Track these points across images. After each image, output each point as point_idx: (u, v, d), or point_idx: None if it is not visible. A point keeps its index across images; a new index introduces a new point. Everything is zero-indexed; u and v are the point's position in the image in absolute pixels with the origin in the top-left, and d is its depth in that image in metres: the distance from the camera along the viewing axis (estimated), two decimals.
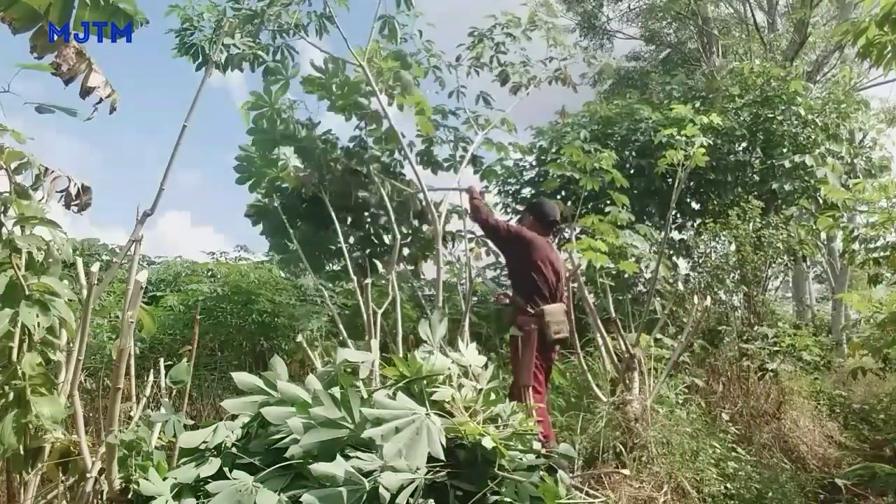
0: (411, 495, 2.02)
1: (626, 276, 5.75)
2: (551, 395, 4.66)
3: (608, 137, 8.52)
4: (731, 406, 5.22)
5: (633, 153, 8.38)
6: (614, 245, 5.39)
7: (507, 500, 2.17)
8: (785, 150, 8.29)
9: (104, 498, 2.11)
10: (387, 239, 5.75)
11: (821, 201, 7.74)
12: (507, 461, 2.26)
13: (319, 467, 2.02)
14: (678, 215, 8.69)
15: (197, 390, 5.13)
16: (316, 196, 5.16)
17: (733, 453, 4.31)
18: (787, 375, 5.72)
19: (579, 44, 16.94)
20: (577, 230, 5.88)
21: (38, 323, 2.14)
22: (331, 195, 5.12)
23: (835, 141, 8.27)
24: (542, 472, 2.33)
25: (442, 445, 2.16)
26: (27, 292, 2.16)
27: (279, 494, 2.01)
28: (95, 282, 2.11)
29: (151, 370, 2.63)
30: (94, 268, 2.13)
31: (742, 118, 8.55)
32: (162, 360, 2.63)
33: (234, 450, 2.26)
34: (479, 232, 5.51)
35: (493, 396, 2.70)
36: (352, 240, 5.87)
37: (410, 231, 5.81)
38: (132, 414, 2.38)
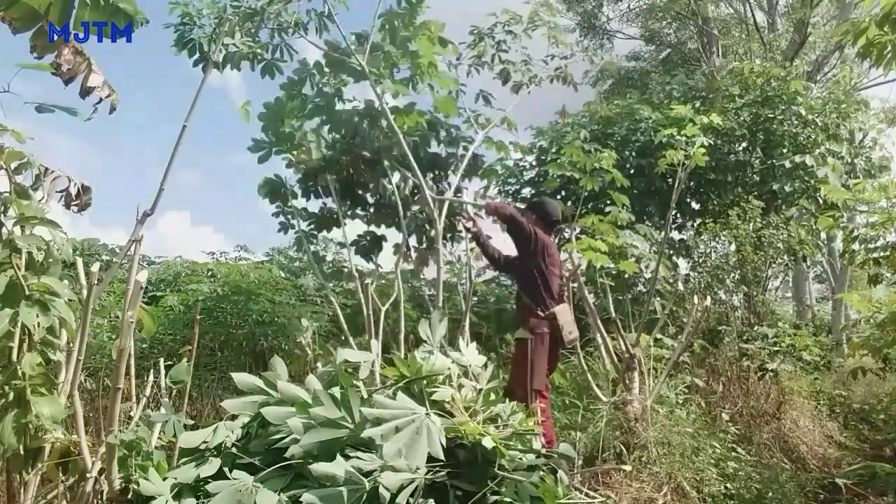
0: (411, 495, 2.02)
1: (626, 276, 5.76)
2: (551, 395, 4.66)
3: (608, 137, 8.52)
4: (731, 406, 5.22)
5: (633, 153, 8.38)
6: (614, 245, 5.39)
7: (507, 500, 2.17)
8: (785, 150, 8.29)
9: (104, 498, 2.11)
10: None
11: (821, 201, 7.74)
12: (507, 461, 2.26)
13: (319, 467, 2.02)
14: (678, 215, 8.69)
15: (197, 390, 5.13)
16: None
17: (733, 453, 4.31)
18: (787, 375, 5.72)
19: (580, 43, 16.95)
20: (577, 230, 5.88)
21: (38, 323, 2.14)
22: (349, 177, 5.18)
23: (835, 141, 8.28)
24: (542, 472, 2.33)
25: (442, 445, 2.16)
26: (27, 292, 2.16)
27: (279, 494, 2.01)
28: (95, 282, 2.11)
29: (151, 370, 2.63)
30: (94, 268, 2.13)
31: (742, 118, 8.55)
32: (162, 360, 2.63)
33: (234, 450, 2.26)
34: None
35: (492, 396, 2.70)
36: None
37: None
38: (132, 414, 2.38)
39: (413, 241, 5.89)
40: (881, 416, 6.66)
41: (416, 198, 5.52)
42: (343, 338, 4.84)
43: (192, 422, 2.42)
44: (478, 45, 5.95)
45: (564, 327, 3.81)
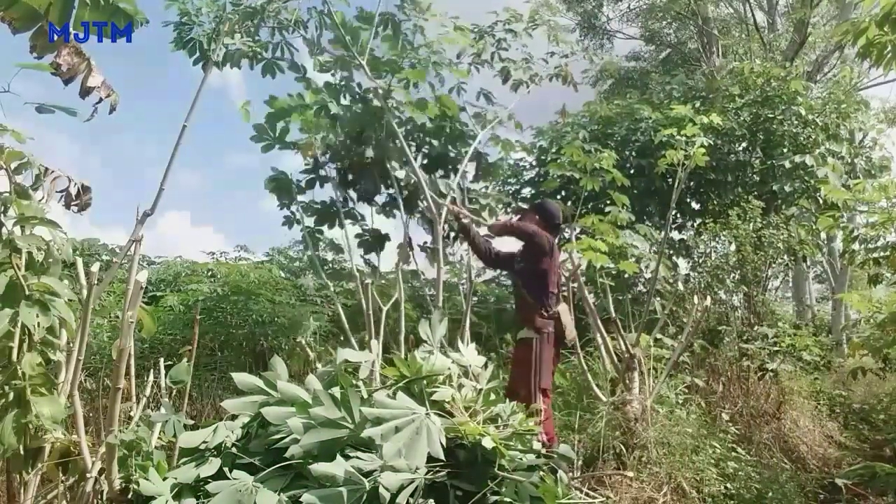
0: (411, 495, 2.02)
1: (626, 276, 5.76)
2: (552, 395, 4.67)
3: (608, 137, 8.53)
4: (731, 406, 5.23)
5: (633, 153, 8.39)
6: (614, 245, 5.39)
7: (507, 500, 2.17)
8: (785, 150, 8.30)
9: (104, 498, 2.11)
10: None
11: (821, 201, 7.74)
12: (507, 461, 2.26)
13: (319, 467, 2.02)
14: (678, 215, 8.69)
15: (197, 390, 5.13)
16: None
17: (733, 453, 4.31)
18: (787, 375, 5.73)
19: (580, 42, 16.95)
20: (577, 230, 5.88)
21: (38, 323, 2.14)
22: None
23: (835, 141, 8.28)
24: (542, 472, 2.33)
25: (442, 445, 2.16)
26: (27, 292, 2.16)
27: (279, 494, 2.01)
28: (95, 282, 2.11)
29: (151, 370, 2.63)
30: (94, 268, 2.13)
31: (742, 118, 8.55)
32: (162, 360, 2.63)
33: (234, 450, 2.26)
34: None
35: (493, 396, 2.70)
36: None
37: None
38: (132, 414, 2.38)
39: (424, 238, 5.89)
40: (881, 416, 6.66)
41: (420, 198, 5.50)
42: (343, 337, 4.84)
43: (192, 422, 2.42)
44: (478, 43, 5.94)
45: (567, 326, 3.83)
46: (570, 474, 3.08)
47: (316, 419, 2.20)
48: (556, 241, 4.18)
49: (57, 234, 2.33)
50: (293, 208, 5.81)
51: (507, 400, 2.81)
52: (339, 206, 5.69)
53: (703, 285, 6.55)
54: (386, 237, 6.07)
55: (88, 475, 2.13)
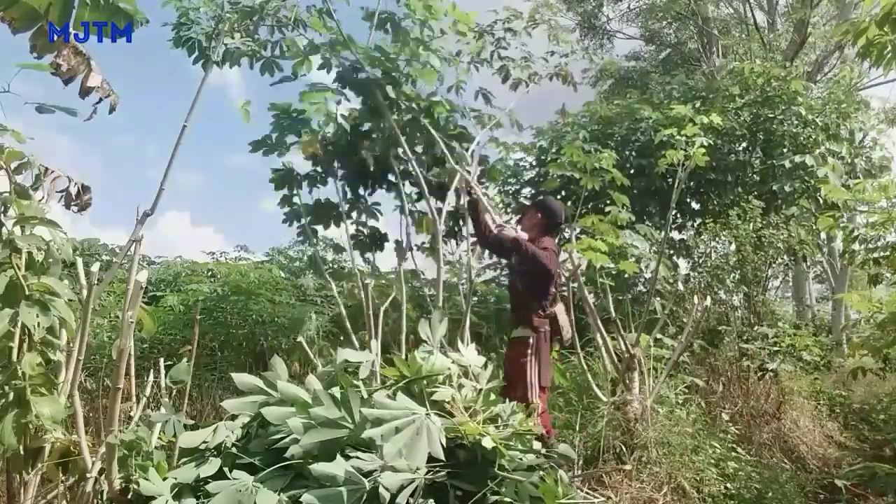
0: (411, 495, 2.02)
1: (626, 276, 5.76)
2: (552, 394, 4.67)
3: (608, 137, 8.53)
4: (731, 406, 5.23)
5: (633, 153, 8.39)
6: (614, 245, 5.39)
7: (507, 500, 2.17)
8: (785, 150, 8.30)
9: (104, 498, 2.11)
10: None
11: (821, 201, 7.75)
12: (507, 461, 2.26)
13: (319, 467, 2.02)
14: (678, 215, 8.70)
15: (197, 390, 5.12)
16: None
17: (733, 453, 4.31)
18: (787, 375, 5.73)
19: (580, 42, 16.96)
20: (577, 230, 5.88)
21: (38, 323, 2.14)
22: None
23: (835, 141, 8.28)
24: (542, 472, 2.33)
25: (442, 445, 2.16)
26: (27, 292, 2.16)
27: (279, 494, 2.00)
28: (95, 282, 2.11)
29: (151, 370, 2.63)
30: (94, 268, 2.13)
31: (742, 118, 8.56)
32: (162, 360, 2.63)
33: (234, 450, 2.25)
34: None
35: (492, 396, 2.70)
36: None
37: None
38: (132, 414, 2.37)
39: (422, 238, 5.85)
40: (881, 416, 6.67)
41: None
42: (342, 337, 4.83)
43: (192, 422, 2.42)
44: (477, 41, 5.92)
45: (564, 327, 3.83)
46: (570, 473, 3.08)
47: (316, 419, 2.20)
48: (556, 240, 4.18)
49: (57, 234, 2.33)
50: (294, 200, 5.76)
51: (507, 400, 2.80)
52: (342, 201, 5.63)
53: (703, 285, 6.55)
54: (385, 237, 6.02)
55: (88, 475, 2.13)
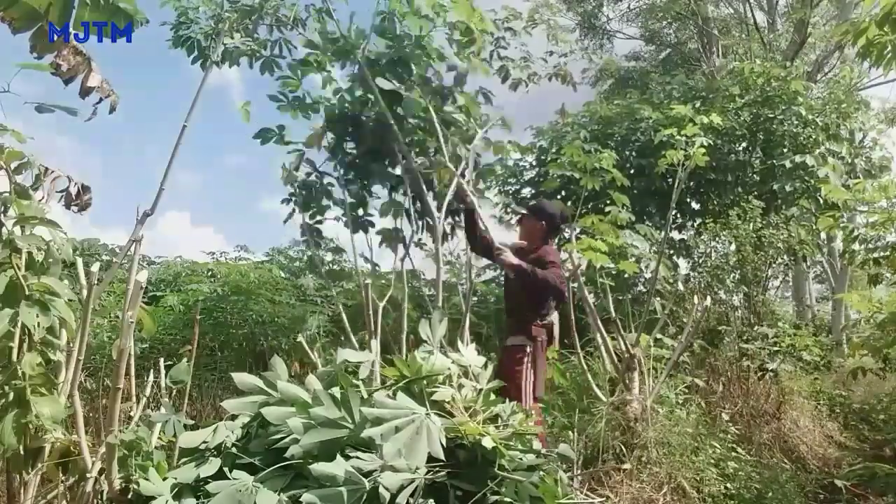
0: (411, 495, 2.02)
1: (626, 276, 5.76)
2: (551, 394, 4.67)
3: (608, 137, 8.53)
4: (731, 406, 5.23)
5: (633, 153, 8.40)
6: (614, 245, 5.39)
7: (507, 500, 2.17)
8: (785, 150, 8.31)
9: (104, 498, 2.11)
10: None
11: (821, 201, 7.75)
12: (507, 461, 2.26)
13: (319, 467, 2.02)
14: (678, 215, 8.70)
15: (197, 390, 5.13)
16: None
17: (733, 453, 4.31)
18: (787, 375, 5.73)
19: (580, 42, 16.97)
20: (577, 230, 5.88)
21: (38, 323, 2.14)
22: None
23: (835, 141, 8.29)
24: (542, 472, 2.33)
25: (442, 445, 2.16)
26: (27, 292, 2.16)
27: (279, 494, 2.00)
28: (95, 282, 2.11)
29: (151, 370, 2.63)
30: (94, 268, 2.13)
31: (742, 118, 8.56)
32: (162, 360, 2.63)
33: (234, 450, 2.25)
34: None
35: (492, 396, 2.70)
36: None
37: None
38: (132, 414, 2.38)
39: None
40: (881, 416, 6.67)
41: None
42: (342, 337, 4.82)
43: (192, 422, 2.42)
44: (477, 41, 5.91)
45: (556, 335, 3.83)
46: (570, 474, 3.08)
47: (316, 419, 2.20)
48: (556, 240, 4.17)
49: (57, 234, 2.33)
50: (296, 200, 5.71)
51: (506, 400, 2.80)
52: (340, 177, 5.56)
53: (703, 285, 6.55)
54: (370, 223, 5.78)
55: (88, 475, 2.13)
